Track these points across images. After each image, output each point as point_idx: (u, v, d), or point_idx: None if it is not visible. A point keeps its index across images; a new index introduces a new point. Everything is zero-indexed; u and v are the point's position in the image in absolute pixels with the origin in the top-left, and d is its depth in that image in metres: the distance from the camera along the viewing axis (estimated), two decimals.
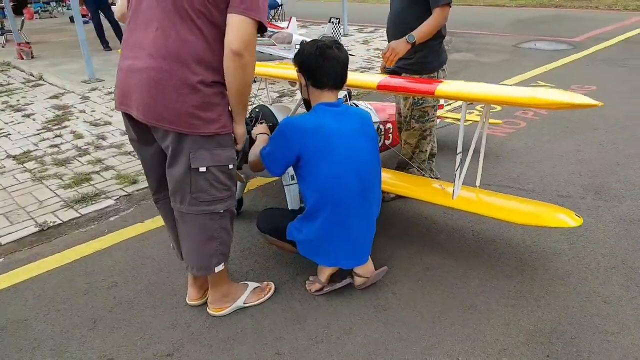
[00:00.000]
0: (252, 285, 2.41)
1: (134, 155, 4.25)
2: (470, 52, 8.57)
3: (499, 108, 5.12)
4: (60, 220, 3.24)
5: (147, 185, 3.56)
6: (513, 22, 11.75)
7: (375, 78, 2.52)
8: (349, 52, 2.27)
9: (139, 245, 2.92)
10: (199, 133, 1.88)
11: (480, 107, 4.98)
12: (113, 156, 4.27)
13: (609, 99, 5.12)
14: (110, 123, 5.14)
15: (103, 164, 4.12)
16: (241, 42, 1.77)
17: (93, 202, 3.47)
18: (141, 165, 2.20)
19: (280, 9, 11.52)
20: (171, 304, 2.40)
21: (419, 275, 2.53)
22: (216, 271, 2.14)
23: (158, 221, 3.14)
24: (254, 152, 2.32)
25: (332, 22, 7.71)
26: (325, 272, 2.38)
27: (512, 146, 4.22)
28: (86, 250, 2.89)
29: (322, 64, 2.14)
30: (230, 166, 2.03)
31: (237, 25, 1.77)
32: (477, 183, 2.58)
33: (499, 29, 10.77)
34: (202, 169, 1.93)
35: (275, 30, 8.13)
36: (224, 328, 2.23)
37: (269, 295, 2.40)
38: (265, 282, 2.47)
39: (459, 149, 2.46)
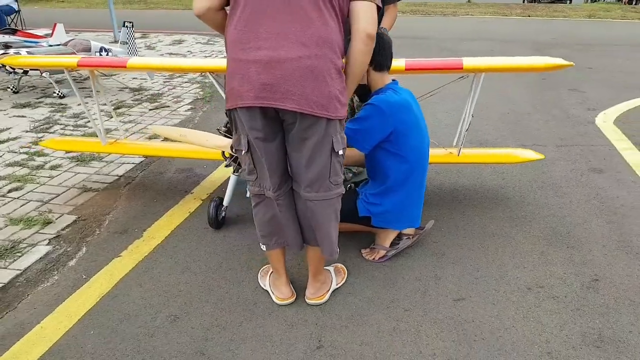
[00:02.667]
0: (330, 268, 2.60)
1: (5, 196, 3.53)
2: None
3: None
4: (2, 282, 2.60)
5: (71, 222, 3.17)
6: None
7: (399, 62, 2.90)
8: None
9: (151, 275, 2.65)
10: (338, 117, 2.02)
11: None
12: None
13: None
14: None
15: None
16: (374, 27, 1.98)
17: (18, 253, 2.85)
18: (260, 165, 2.11)
19: (17, 15, 10.11)
20: (262, 312, 2.38)
21: (439, 224, 3.11)
22: (338, 252, 2.31)
23: (139, 249, 2.90)
24: None
25: (127, 26, 7.40)
26: (389, 238, 2.75)
27: None
28: (86, 300, 2.47)
29: (382, 47, 2.48)
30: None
31: (367, 11, 1.95)
32: (461, 143, 3.30)
33: None
34: (340, 152, 2.09)
35: (37, 41, 7.32)
36: (339, 310, 2.39)
37: (346, 274, 2.63)
38: (334, 264, 2.67)
39: (470, 113, 3.13)
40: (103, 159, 4.18)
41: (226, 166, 2.87)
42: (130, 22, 7.44)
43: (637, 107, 5.77)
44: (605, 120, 5.27)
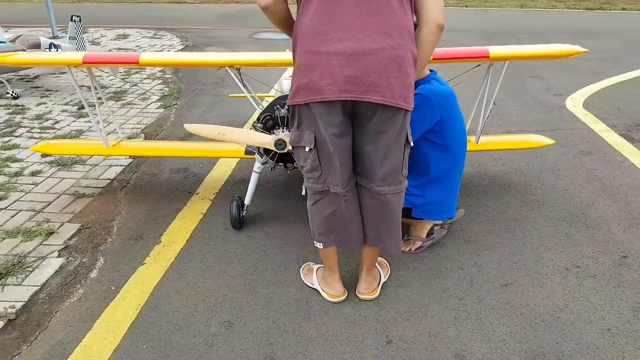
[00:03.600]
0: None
1: None
2: (218, 45, 9.20)
3: None
4: (22, 300, 2.39)
5: (75, 230, 2.97)
6: (219, 16, 12.87)
7: None
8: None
9: (187, 281, 2.54)
10: (411, 107, 2.02)
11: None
12: None
13: None
14: None
15: None
16: (444, 17, 1.97)
17: (28, 268, 2.63)
18: (328, 161, 2.04)
19: None
20: (317, 311, 2.34)
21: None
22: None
23: (163, 255, 2.78)
24: None
25: (74, 21, 6.99)
26: (426, 229, 2.79)
27: None
28: (125, 313, 2.32)
29: None
30: None
31: (438, 1, 1.95)
32: (480, 130, 3.39)
33: (219, 23, 11.71)
34: (412, 144, 2.10)
35: None
36: (394, 303, 2.39)
37: (389, 267, 2.63)
38: None
39: (492, 101, 3.19)
40: (86, 162, 3.93)
41: (262, 164, 2.78)
42: (77, 16, 7.05)
43: (599, 92, 6.15)
44: (575, 105, 5.59)
